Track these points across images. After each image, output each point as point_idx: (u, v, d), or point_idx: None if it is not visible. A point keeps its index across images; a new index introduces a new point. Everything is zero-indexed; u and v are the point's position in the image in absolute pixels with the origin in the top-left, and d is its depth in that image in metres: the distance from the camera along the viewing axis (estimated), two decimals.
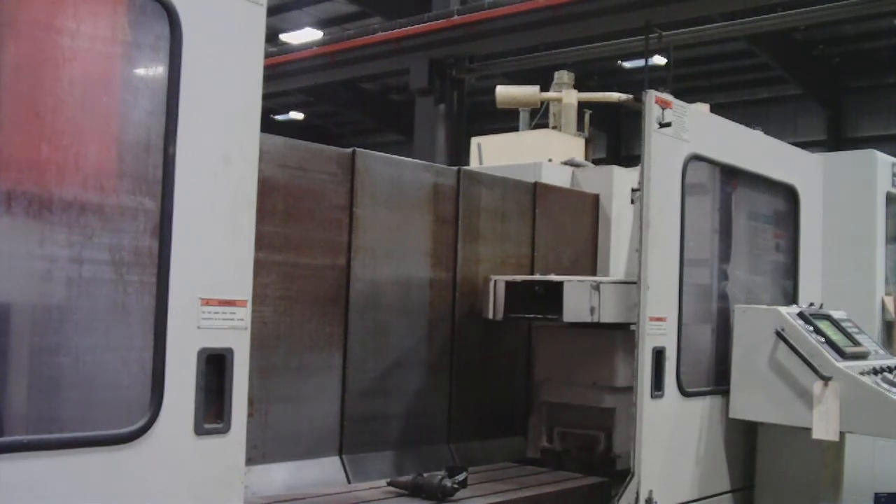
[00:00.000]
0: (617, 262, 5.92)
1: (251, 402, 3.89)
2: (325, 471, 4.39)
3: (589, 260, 5.99)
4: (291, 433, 4.29)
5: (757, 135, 5.35)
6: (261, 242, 3.65)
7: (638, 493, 4.21)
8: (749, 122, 5.37)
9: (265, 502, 3.90)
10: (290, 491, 4.09)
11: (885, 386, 4.37)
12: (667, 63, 14.93)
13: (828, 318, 4.84)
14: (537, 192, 5.62)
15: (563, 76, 9.29)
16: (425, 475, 4.07)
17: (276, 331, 4.20)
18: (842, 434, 4.49)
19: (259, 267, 3.59)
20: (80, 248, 2.60)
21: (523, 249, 5.54)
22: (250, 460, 3.83)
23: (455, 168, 5.26)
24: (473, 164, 7.69)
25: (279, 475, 4.18)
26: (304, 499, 3.94)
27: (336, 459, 4.47)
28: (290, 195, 4.25)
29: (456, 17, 13.89)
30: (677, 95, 4.59)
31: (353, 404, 4.53)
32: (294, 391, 4.30)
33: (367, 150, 4.68)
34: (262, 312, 4.09)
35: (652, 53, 13.53)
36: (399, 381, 4.81)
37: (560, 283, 4.66)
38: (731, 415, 4.79)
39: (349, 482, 4.38)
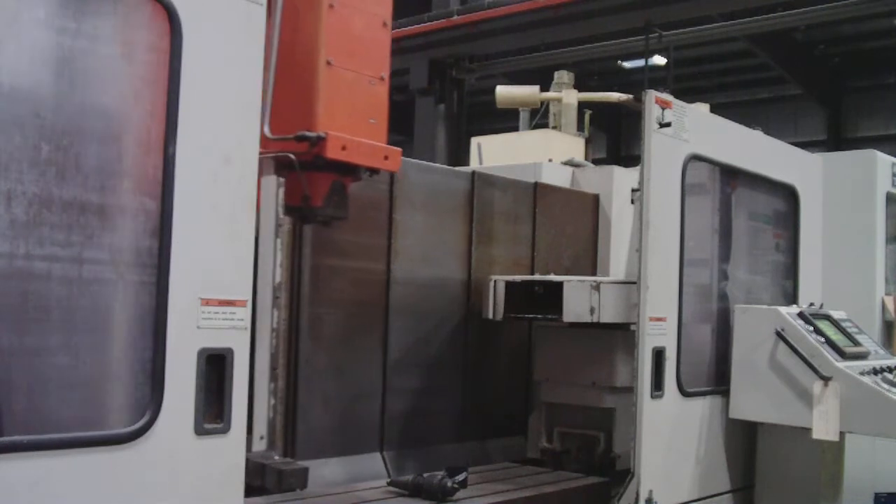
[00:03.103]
0: (617, 262, 5.92)
1: (328, 400, 4.30)
2: (367, 466, 4.55)
3: (589, 260, 6.00)
4: (348, 429, 4.50)
5: (757, 135, 5.35)
6: (331, 249, 4.29)
7: (638, 494, 4.21)
8: (749, 122, 5.37)
9: (265, 502, 3.90)
10: (341, 484, 4.27)
11: (885, 386, 4.37)
12: (667, 63, 14.92)
13: (828, 318, 4.84)
14: (537, 193, 5.63)
15: (563, 76, 9.30)
16: (425, 475, 4.07)
17: (346, 332, 4.46)
18: (842, 434, 4.49)
19: (332, 273, 4.35)
20: (81, 248, 2.61)
21: (530, 250, 5.59)
22: (323, 453, 4.27)
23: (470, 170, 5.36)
24: (473, 164, 7.69)
25: (333, 469, 4.36)
26: (305, 499, 3.94)
27: (377, 455, 4.61)
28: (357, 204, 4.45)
29: (456, 17, 13.89)
30: (677, 95, 4.59)
31: (391, 403, 4.70)
32: (353, 390, 4.52)
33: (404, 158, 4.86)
34: (336, 315, 4.39)
35: (652, 53, 13.54)
36: (429, 379, 4.93)
37: (560, 283, 4.66)
38: (732, 415, 4.79)
39: (389, 477, 4.48)
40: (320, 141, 3.52)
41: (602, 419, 4.88)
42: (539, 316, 4.81)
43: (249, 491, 3.57)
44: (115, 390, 2.72)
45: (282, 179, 3.64)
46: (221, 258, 2.85)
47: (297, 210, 3.79)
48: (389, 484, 4.19)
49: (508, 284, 4.88)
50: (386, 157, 3.79)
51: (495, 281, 4.93)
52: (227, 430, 2.83)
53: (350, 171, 3.77)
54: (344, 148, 3.58)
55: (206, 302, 2.79)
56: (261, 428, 3.59)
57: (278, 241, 3.62)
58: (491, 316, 4.93)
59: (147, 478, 2.66)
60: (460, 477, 4.04)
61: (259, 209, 3.60)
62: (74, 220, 2.59)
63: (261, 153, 3.45)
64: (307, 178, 3.66)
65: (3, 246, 2.48)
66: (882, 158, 6.03)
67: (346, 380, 4.49)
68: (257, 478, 3.51)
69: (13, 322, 2.51)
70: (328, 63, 3.59)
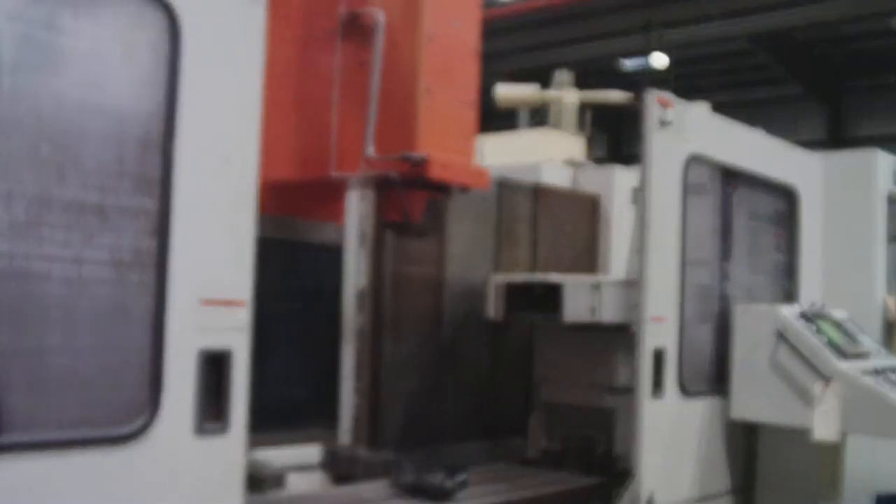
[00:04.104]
0: (617, 262, 5.91)
1: (395, 397, 4.43)
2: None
3: (589, 260, 5.99)
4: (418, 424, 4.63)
5: (757, 135, 5.34)
6: (406, 257, 4.41)
7: (639, 494, 4.20)
8: (749, 122, 5.36)
9: (265, 502, 3.89)
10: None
11: (887, 386, 4.37)
12: (668, 65, 14.92)
13: (829, 318, 4.84)
14: (538, 193, 5.62)
15: (563, 75, 9.30)
16: (425, 475, 4.07)
17: (415, 334, 4.59)
18: (842, 434, 4.48)
19: (406, 280, 4.45)
20: (81, 248, 2.60)
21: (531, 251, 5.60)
22: (401, 446, 4.36)
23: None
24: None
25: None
26: (306, 499, 3.94)
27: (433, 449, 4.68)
28: None
29: None
30: (678, 95, 4.59)
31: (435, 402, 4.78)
32: (413, 388, 4.63)
33: None
34: (408, 318, 4.52)
35: (652, 52, 13.55)
36: (452, 379, 4.95)
37: (560, 284, 4.66)
38: (732, 415, 4.79)
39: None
40: (423, 162, 3.80)
41: (602, 419, 4.87)
42: (539, 316, 4.81)
43: (338, 479, 4.00)
44: (114, 390, 2.71)
45: (367, 192, 3.95)
46: (221, 258, 2.85)
47: (397, 224, 4.09)
48: (390, 484, 4.18)
49: (509, 285, 4.87)
50: (477, 176, 4.11)
51: (496, 281, 4.93)
52: (226, 430, 2.82)
53: (444, 188, 4.07)
54: (444, 168, 3.89)
55: (207, 302, 2.79)
56: (347, 423, 3.98)
57: (362, 250, 3.99)
58: (492, 316, 4.93)
59: (147, 478, 2.66)
60: (460, 477, 4.03)
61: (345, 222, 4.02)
62: (74, 220, 2.59)
63: (365, 172, 3.87)
64: (406, 195, 3.97)
65: (2, 246, 2.47)
66: (883, 158, 6.01)
67: (408, 379, 4.58)
68: (347, 468, 3.91)
69: (13, 322, 2.51)
70: (427, 90, 3.87)
